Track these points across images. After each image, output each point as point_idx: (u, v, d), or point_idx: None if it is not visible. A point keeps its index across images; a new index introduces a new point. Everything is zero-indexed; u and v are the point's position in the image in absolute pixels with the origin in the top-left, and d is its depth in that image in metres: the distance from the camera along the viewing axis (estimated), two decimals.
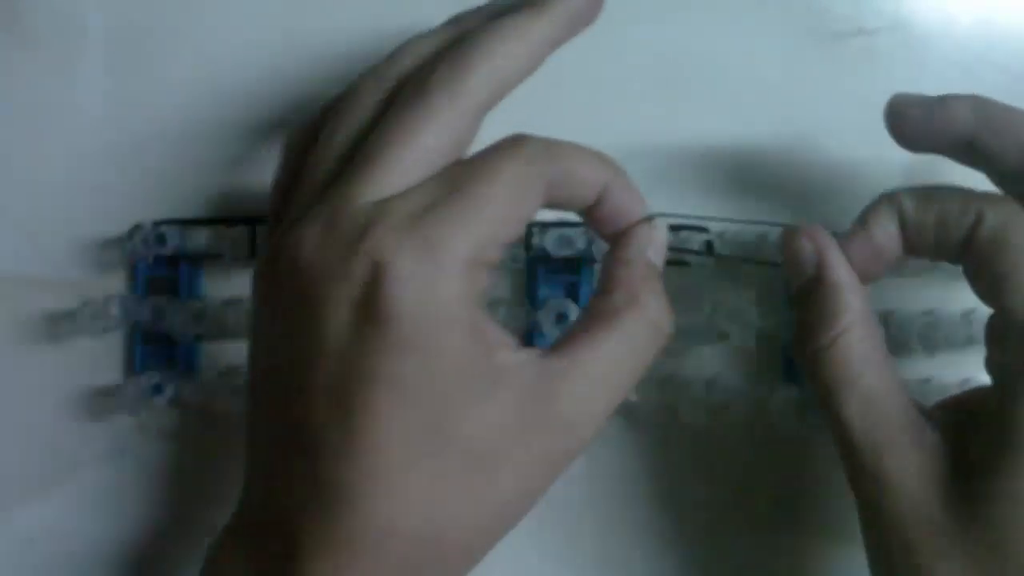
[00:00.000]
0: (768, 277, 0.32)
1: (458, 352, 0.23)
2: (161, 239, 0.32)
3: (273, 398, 0.25)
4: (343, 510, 0.23)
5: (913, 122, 0.26)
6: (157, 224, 0.33)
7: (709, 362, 0.32)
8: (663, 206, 0.27)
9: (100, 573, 0.33)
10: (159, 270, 0.33)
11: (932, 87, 0.32)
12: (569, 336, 0.25)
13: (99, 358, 0.34)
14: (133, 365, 0.33)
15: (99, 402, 0.34)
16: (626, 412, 0.32)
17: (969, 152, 0.26)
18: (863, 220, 0.26)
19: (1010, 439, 0.24)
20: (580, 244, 0.31)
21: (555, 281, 0.32)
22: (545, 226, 0.31)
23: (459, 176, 0.24)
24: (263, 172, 0.33)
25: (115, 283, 0.34)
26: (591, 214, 0.26)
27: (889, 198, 0.26)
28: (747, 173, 0.32)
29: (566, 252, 0.31)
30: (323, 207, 0.24)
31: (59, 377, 0.34)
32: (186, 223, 0.33)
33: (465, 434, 0.23)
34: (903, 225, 0.25)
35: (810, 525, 0.32)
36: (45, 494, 0.34)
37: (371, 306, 0.23)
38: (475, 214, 0.23)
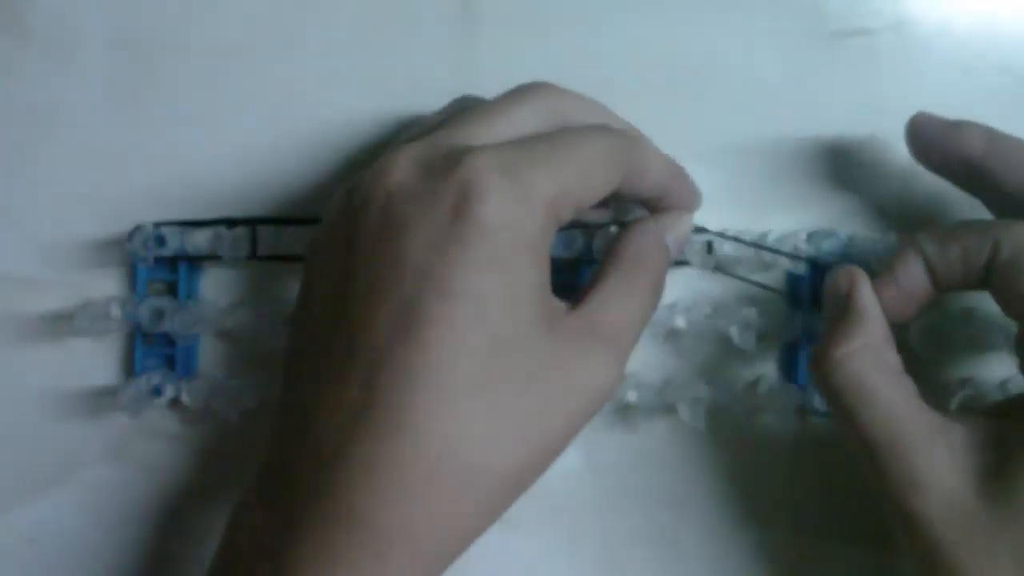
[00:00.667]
0: (768, 277, 0.32)
1: (532, 279, 0.25)
2: (161, 240, 0.32)
3: (335, 322, 0.25)
4: (397, 433, 0.23)
5: (930, 140, 0.29)
6: (157, 225, 0.33)
7: (709, 362, 0.32)
8: None
9: (100, 573, 0.33)
10: (159, 271, 0.33)
11: (932, 87, 0.32)
12: (590, 289, 0.27)
13: (99, 359, 0.34)
14: (133, 366, 0.33)
15: (99, 402, 0.34)
16: (626, 412, 0.32)
17: (975, 175, 0.28)
18: (889, 267, 0.28)
19: None
20: (580, 245, 0.31)
21: (555, 282, 0.32)
22: None
23: (549, 134, 0.26)
24: (263, 173, 0.33)
25: (115, 284, 0.34)
26: (650, 205, 0.29)
27: (911, 242, 0.28)
28: (746, 173, 0.32)
29: (566, 254, 0.31)
30: (416, 144, 0.26)
31: (59, 377, 0.34)
32: (186, 224, 0.33)
33: (522, 362, 0.24)
34: (929, 266, 0.27)
35: (809, 525, 0.32)
36: (45, 494, 0.34)
37: (459, 222, 0.24)
38: (561, 165, 0.25)
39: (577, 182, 0.25)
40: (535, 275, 0.25)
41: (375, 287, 0.24)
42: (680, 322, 0.31)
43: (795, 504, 0.32)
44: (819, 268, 0.31)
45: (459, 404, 0.23)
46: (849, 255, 0.31)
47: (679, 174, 0.29)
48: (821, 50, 0.32)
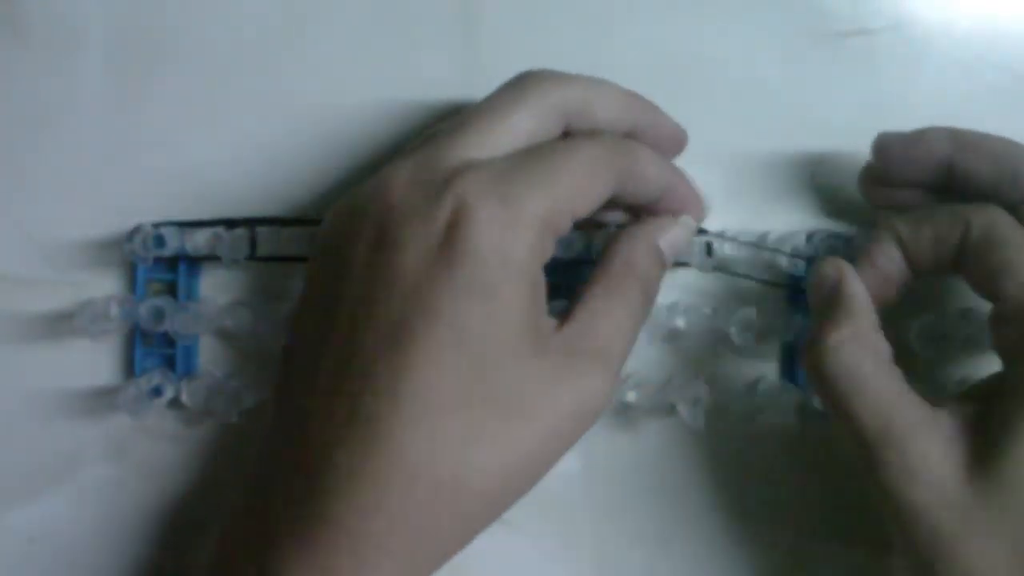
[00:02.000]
0: (768, 277, 0.32)
1: (519, 305, 0.25)
2: (160, 241, 0.32)
3: (325, 331, 0.26)
4: (378, 446, 0.24)
5: (897, 154, 0.29)
6: (157, 226, 0.32)
7: (709, 362, 0.32)
8: None
9: (99, 573, 0.33)
10: (158, 271, 0.33)
11: (932, 87, 0.32)
12: (578, 302, 0.27)
13: (98, 359, 0.34)
14: (132, 366, 0.33)
15: (99, 402, 0.34)
16: (625, 412, 0.32)
17: (948, 176, 0.28)
18: (866, 250, 0.28)
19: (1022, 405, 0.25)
20: (579, 246, 0.31)
21: (555, 283, 0.32)
22: None
23: (541, 148, 0.26)
24: (263, 173, 0.33)
25: (115, 284, 0.34)
26: (651, 210, 0.29)
27: (886, 226, 0.28)
28: (746, 173, 0.32)
29: (566, 255, 0.31)
30: (416, 155, 0.26)
31: (59, 377, 0.34)
32: (185, 224, 0.33)
33: (505, 385, 0.25)
34: (903, 249, 0.28)
35: (809, 525, 0.32)
36: (45, 494, 0.34)
37: (449, 247, 0.24)
38: (553, 179, 0.25)
39: (569, 195, 0.26)
40: (523, 299, 0.25)
41: (365, 303, 0.25)
42: (680, 322, 0.31)
43: (795, 504, 0.32)
44: None
45: (437, 423, 0.24)
46: (849, 256, 0.31)
47: (678, 176, 0.29)
48: (821, 50, 0.32)
